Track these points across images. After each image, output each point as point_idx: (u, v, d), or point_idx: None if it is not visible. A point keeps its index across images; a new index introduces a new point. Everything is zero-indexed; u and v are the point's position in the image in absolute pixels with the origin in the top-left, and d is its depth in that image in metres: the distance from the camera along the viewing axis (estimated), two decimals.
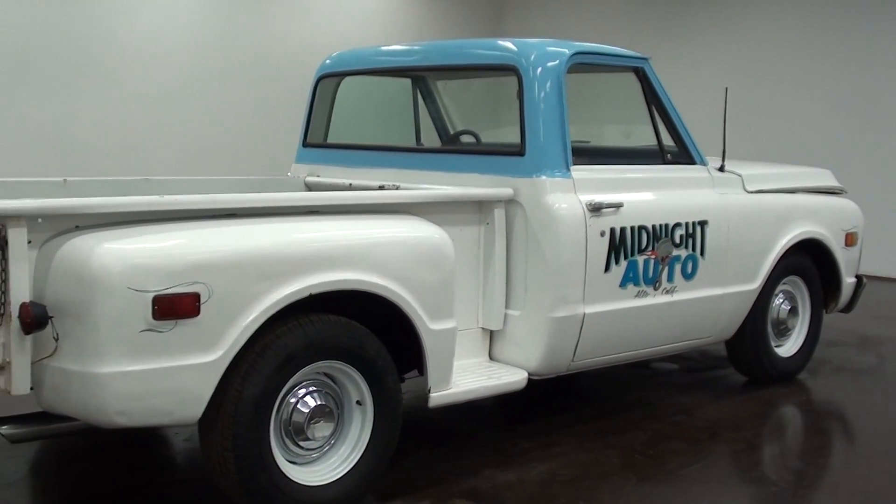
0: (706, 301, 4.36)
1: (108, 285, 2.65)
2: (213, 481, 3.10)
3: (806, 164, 5.90)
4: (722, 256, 4.39)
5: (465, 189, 3.77)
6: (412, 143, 4.96)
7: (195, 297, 2.75)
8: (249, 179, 4.58)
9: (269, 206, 3.13)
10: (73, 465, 3.74)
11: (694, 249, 4.24)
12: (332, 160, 4.66)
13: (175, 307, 2.72)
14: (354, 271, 3.10)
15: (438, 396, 3.43)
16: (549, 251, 3.71)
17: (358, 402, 3.22)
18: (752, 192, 4.67)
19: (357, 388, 3.20)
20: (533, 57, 3.83)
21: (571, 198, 3.78)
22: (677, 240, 4.16)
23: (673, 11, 10.00)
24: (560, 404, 4.61)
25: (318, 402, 3.10)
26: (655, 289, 4.09)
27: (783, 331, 5.04)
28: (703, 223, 4.27)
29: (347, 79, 4.81)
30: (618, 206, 3.90)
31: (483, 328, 3.82)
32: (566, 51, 3.91)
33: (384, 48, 4.80)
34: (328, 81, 4.83)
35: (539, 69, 3.81)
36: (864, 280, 5.36)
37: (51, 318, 2.68)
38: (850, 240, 5.21)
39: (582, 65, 4.01)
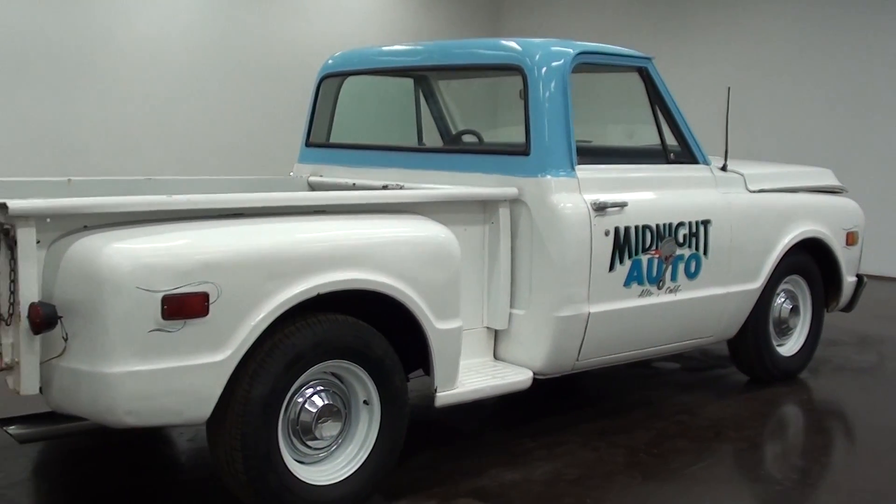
0: (709, 300, 4.38)
1: (117, 285, 2.66)
2: (218, 481, 3.11)
3: (806, 163, 5.91)
4: (725, 256, 4.41)
5: (470, 188, 3.78)
6: (414, 142, 4.97)
7: (204, 297, 2.75)
8: (253, 179, 4.58)
9: (277, 206, 3.13)
10: (79, 465, 3.74)
11: (697, 249, 4.25)
12: (335, 160, 4.67)
13: (184, 307, 2.72)
14: (362, 271, 3.10)
15: (445, 396, 3.43)
16: (553, 250, 3.72)
17: (365, 402, 3.23)
18: (754, 192, 4.68)
19: (364, 387, 3.21)
20: (538, 57, 3.84)
21: (576, 197, 3.79)
22: (681, 239, 4.17)
23: (673, 11, 10.02)
24: (562, 404, 4.62)
25: (326, 402, 3.11)
26: (659, 288, 4.11)
27: (785, 330, 5.05)
28: (706, 222, 4.29)
29: (350, 78, 4.82)
30: (622, 205, 3.91)
31: (488, 327, 3.83)
32: (571, 50, 3.92)
33: (387, 48, 4.81)
34: (331, 81, 4.83)
35: (544, 69, 3.82)
36: (865, 279, 5.38)
37: (60, 318, 2.68)
38: (850, 239, 5.22)
39: (586, 64, 4.02)
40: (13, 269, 2.67)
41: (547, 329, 3.75)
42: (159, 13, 8.75)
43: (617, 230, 3.89)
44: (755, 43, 9.37)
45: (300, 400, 3.07)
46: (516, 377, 3.71)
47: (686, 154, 4.38)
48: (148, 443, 3.96)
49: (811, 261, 5.07)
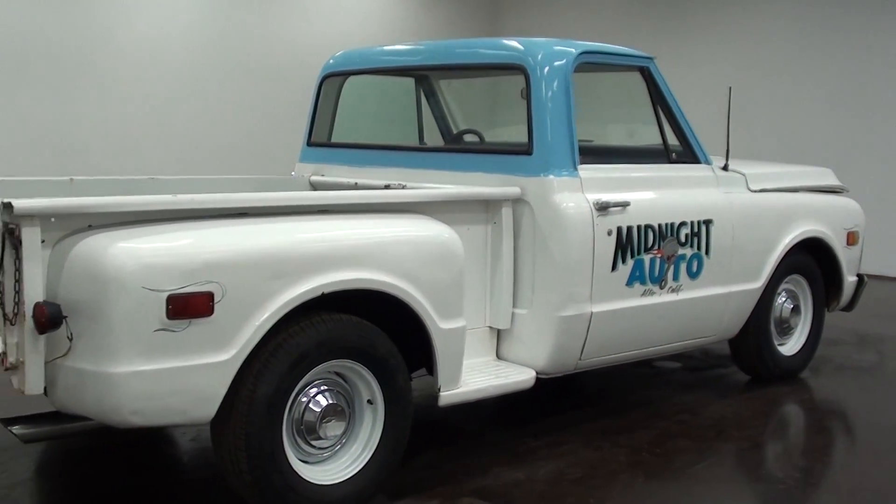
0: (711, 300, 4.38)
1: (122, 284, 2.66)
2: (220, 480, 3.11)
3: (806, 163, 5.92)
4: (726, 255, 4.41)
5: (473, 188, 3.78)
6: (416, 142, 4.97)
7: (209, 297, 2.75)
8: (255, 179, 4.58)
9: (283, 206, 3.13)
10: (81, 465, 3.74)
11: (699, 248, 4.26)
12: (337, 159, 4.67)
13: (189, 306, 2.72)
14: (367, 270, 3.10)
15: (448, 395, 3.43)
16: (556, 250, 3.72)
17: (369, 401, 3.23)
18: (755, 192, 4.69)
19: (368, 387, 3.21)
20: (540, 56, 3.84)
21: (579, 197, 3.79)
22: (683, 239, 4.17)
23: (673, 11, 10.02)
24: (564, 403, 4.63)
25: (330, 401, 3.11)
26: (661, 287, 4.11)
27: (786, 329, 5.06)
28: (708, 222, 4.29)
29: (352, 78, 4.82)
30: (624, 205, 3.92)
31: (490, 327, 3.83)
32: (573, 50, 3.93)
33: (389, 48, 4.81)
34: (333, 81, 4.83)
35: (546, 68, 3.82)
36: (866, 279, 5.39)
37: (65, 317, 2.68)
38: (851, 238, 5.23)
39: (588, 64, 4.02)
40: (18, 269, 2.66)
41: (550, 329, 3.76)
42: (159, 13, 8.74)
43: (619, 230, 3.90)
44: (755, 43, 9.37)
45: (304, 399, 3.08)
46: (519, 377, 3.72)
47: (688, 153, 4.38)
48: (150, 442, 3.96)
49: (812, 260, 5.07)
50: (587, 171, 3.87)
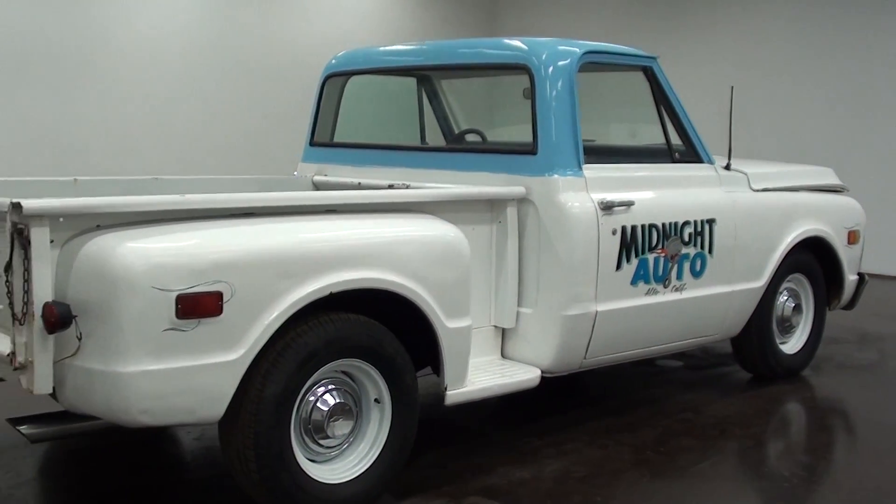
0: (714, 298, 4.40)
1: (131, 284, 2.66)
2: (225, 479, 3.12)
3: (806, 163, 5.94)
4: (729, 254, 4.43)
5: (478, 188, 3.78)
6: (418, 142, 4.97)
7: (218, 296, 2.76)
8: (258, 178, 4.59)
9: (290, 206, 3.13)
10: (86, 464, 3.74)
11: (702, 247, 4.27)
12: (340, 159, 4.67)
13: (198, 306, 2.72)
14: (374, 270, 3.11)
15: (455, 394, 3.44)
16: (561, 249, 3.73)
17: (376, 400, 3.24)
18: (757, 191, 4.70)
19: (375, 385, 3.22)
20: (545, 56, 3.85)
21: (584, 196, 3.80)
22: (686, 238, 4.18)
23: (673, 11, 10.04)
24: (567, 402, 4.64)
25: (338, 400, 3.12)
26: (665, 286, 4.12)
27: (787, 328, 5.08)
28: (711, 221, 4.30)
29: (354, 78, 4.82)
30: (629, 204, 3.93)
31: (495, 326, 3.84)
32: (577, 50, 3.93)
33: (391, 48, 4.81)
34: (335, 80, 4.83)
35: (551, 68, 3.83)
36: (866, 277, 5.41)
37: (75, 317, 2.68)
38: (852, 237, 5.25)
39: (592, 64, 4.03)
40: (27, 269, 2.66)
41: (555, 328, 3.77)
42: (159, 13, 8.74)
43: (624, 229, 3.91)
44: (755, 43, 9.39)
45: (312, 398, 3.08)
46: (525, 376, 3.72)
47: (691, 153, 4.39)
48: (155, 442, 3.96)
49: (813, 259, 5.09)
50: (592, 170, 3.87)
